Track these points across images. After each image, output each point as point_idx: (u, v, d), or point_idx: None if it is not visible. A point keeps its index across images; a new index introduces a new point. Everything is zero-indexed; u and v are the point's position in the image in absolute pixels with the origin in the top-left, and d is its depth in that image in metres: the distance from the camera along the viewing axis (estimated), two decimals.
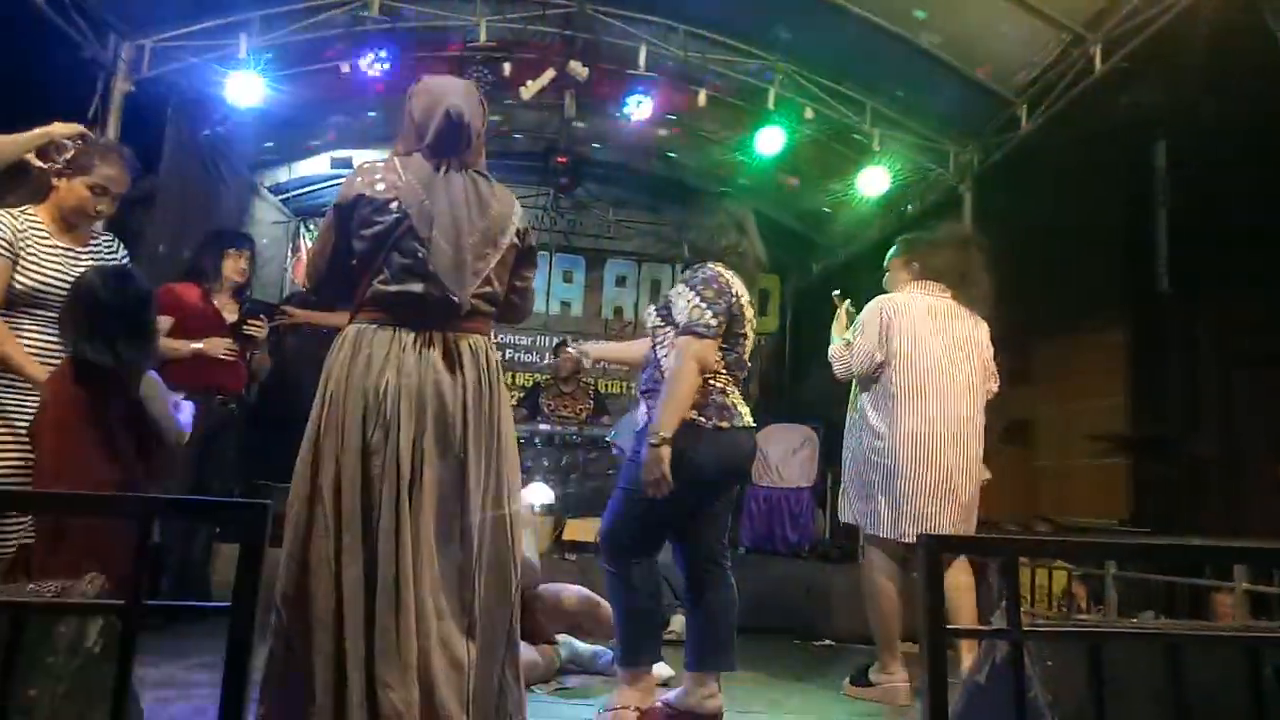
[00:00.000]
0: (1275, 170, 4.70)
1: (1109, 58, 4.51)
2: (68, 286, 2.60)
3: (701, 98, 5.53)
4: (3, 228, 2.58)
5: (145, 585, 1.21)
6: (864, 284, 3.90)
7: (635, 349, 3.34)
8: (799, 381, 8.16)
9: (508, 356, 7.98)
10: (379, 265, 2.16)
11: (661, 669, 3.45)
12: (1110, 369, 6.66)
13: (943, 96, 5.36)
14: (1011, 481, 7.93)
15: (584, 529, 5.00)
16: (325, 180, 7.52)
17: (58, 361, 2.59)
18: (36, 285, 2.62)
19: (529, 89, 5.35)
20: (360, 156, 7.27)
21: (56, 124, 2.48)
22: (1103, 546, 2.26)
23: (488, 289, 2.23)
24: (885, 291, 3.63)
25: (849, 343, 3.48)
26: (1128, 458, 5.96)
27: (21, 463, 2.55)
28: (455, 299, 2.14)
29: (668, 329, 2.91)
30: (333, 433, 2.09)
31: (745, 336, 2.92)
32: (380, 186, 2.18)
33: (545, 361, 7.67)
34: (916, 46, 4.99)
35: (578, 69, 5.31)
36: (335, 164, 7.21)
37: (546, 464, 5.59)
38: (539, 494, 5.15)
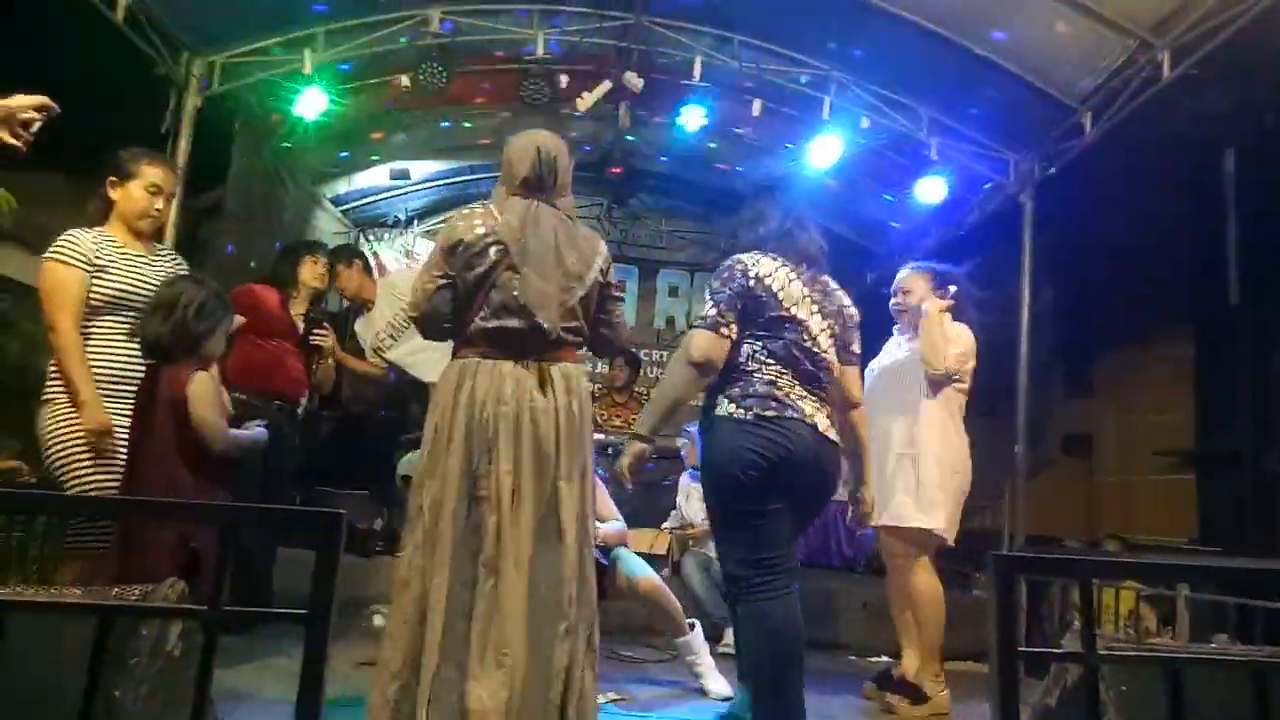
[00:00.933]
0: None
1: (1177, 64, 4.40)
2: (144, 290, 2.74)
3: (756, 107, 5.53)
4: (81, 243, 2.72)
5: (225, 591, 1.25)
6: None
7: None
8: None
9: None
10: (479, 303, 2.39)
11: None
12: (1176, 382, 6.47)
13: (1003, 104, 5.27)
14: (1072, 497, 7.75)
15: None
16: (384, 191, 7.67)
17: (133, 359, 2.71)
18: (117, 291, 2.74)
19: (585, 101, 5.39)
20: (419, 168, 7.43)
21: (16, 96, 2.32)
22: (1184, 568, 2.18)
23: (574, 321, 2.45)
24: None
25: (962, 354, 3.50)
26: (1195, 473, 5.78)
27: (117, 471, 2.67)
28: (545, 327, 2.36)
29: None
30: (440, 458, 2.32)
31: (797, 322, 2.60)
32: (480, 230, 2.41)
33: (598, 369, 7.71)
34: (976, 54, 4.92)
35: (633, 80, 5.35)
36: (394, 175, 7.35)
37: (601, 474, 5.61)
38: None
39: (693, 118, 5.60)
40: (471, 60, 5.41)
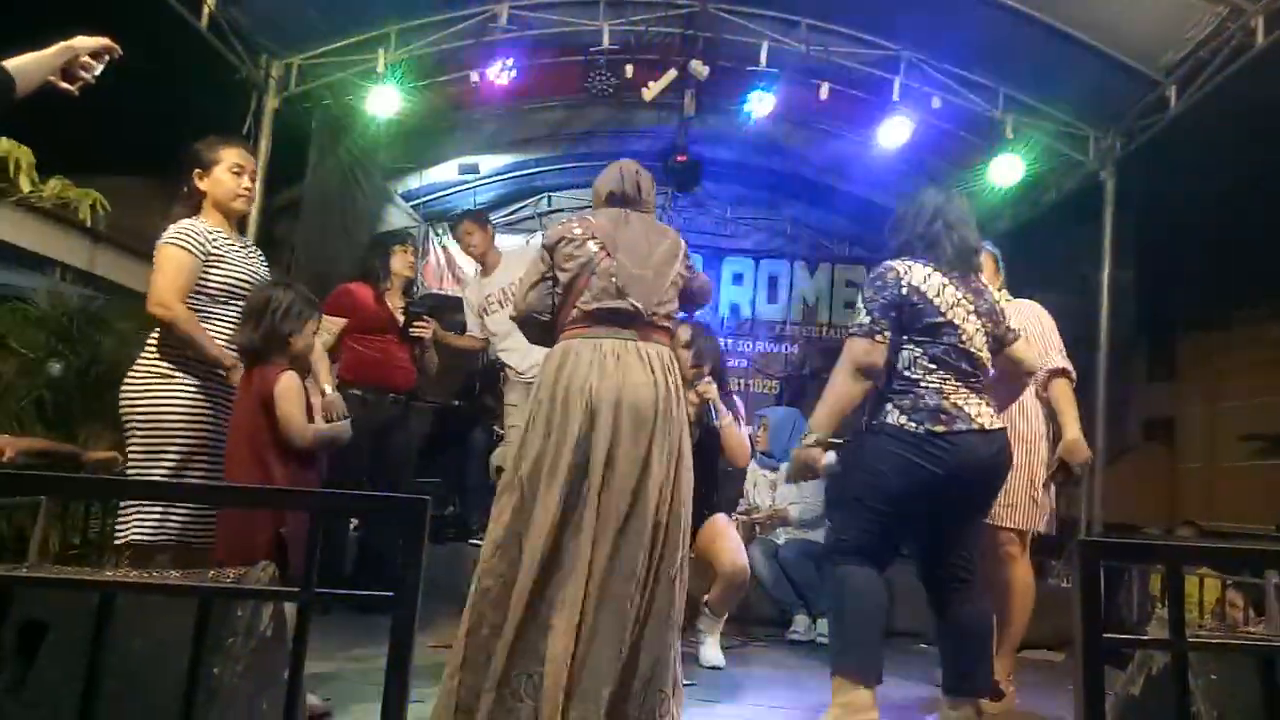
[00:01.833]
0: None
1: (1272, 30, 4.20)
2: (251, 281, 2.85)
3: (824, 91, 5.46)
4: (194, 232, 2.77)
5: (315, 574, 1.30)
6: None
7: None
8: None
9: None
10: (581, 289, 2.62)
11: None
12: (1266, 364, 6.21)
13: (1081, 79, 5.10)
14: (1152, 483, 7.50)
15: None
16: (453, 186, 7.79)
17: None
18: (229, 280, 2.82)
19: (651, 90, 5.40)
20: (487, 162, 7.53)
21: (78, 37, 2.25)
22: (1274, 555, 2.10)
23: (668, 304, 2.69)
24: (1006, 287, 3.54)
25: (1062, 350, 3.42)
26: None
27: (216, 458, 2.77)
28: (639, 306, 2.59)
29: None
30: (540, 429, 2.52)
31: (953, 326, 2.66)
32: (578, 230, 2.69)
33: None
34: (1052, 27, 4.78)
35: (699, 68, 5.33)
36: (463, 170, 7.46)
37: None
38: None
39: (761, 105, 5.56)
40: (538, 54, 5.45)
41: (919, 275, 2.70)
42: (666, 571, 2.47)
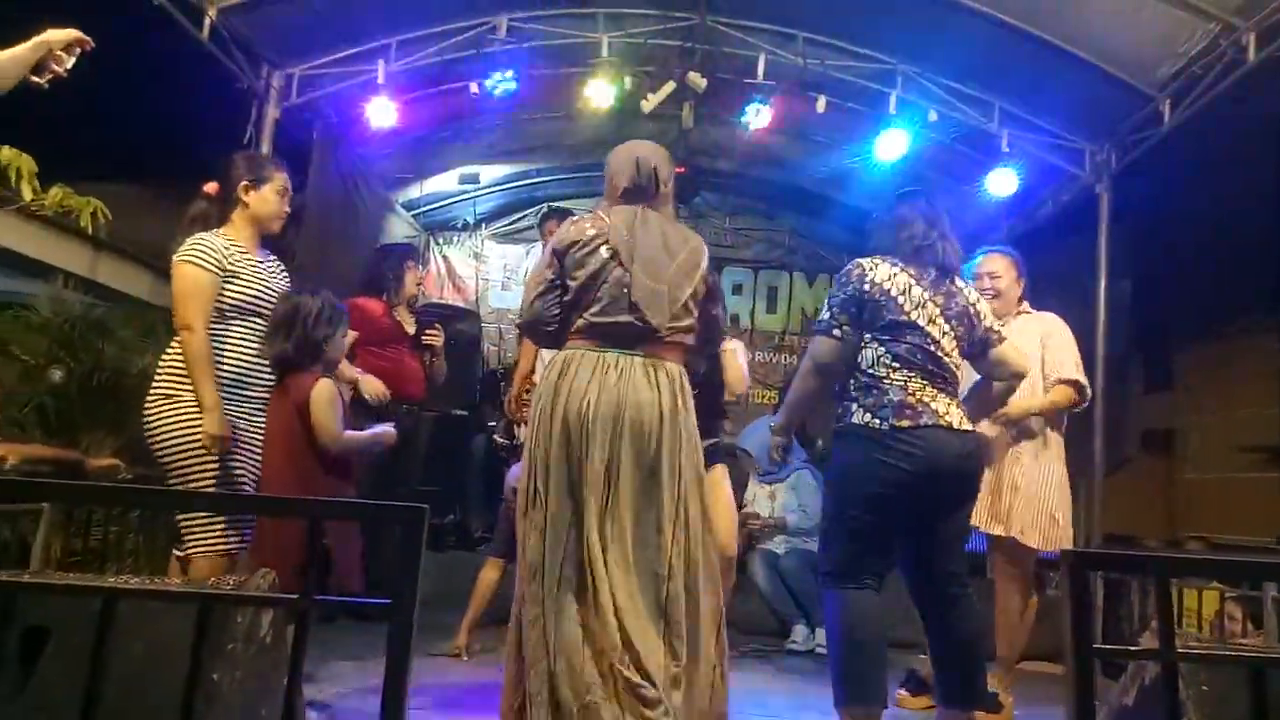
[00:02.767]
0: None
1: (1264, 46, 4.24)
2: (268, 296, 2.86)
3: (821, 104, 5.49)
4: (214, 247, 2.79)
5: (315, 581, 1.32)
6: None
7: None
8: None
9: None
10: (590, 299, 2.48)
11: None
12: (1265, 375, 6.23)
13: (1076, 93, 5.14)
14: (1152, 495, 7.51)
15: None
16: (453, 196, 7.82)
17: (260, 363, 2.84)
18: (246, 296, 2.84)
19: (649, 102, 5.43)
20: (488, 172, 7.56)
21: (50, 30, 2.27)
22: (1263, 567, 2.12)
23: (685, 319, 2.52)
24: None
25: (1079, 364, 3.42)
26: None
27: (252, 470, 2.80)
28: (654, 324, 2.43)
29: None
30: (542, 444, 2.39)
31: (917, 327, 2.64)
32: (591, 232, 2.51)
33: None
34: (1047, 41, 4.81)
35: (696, 80, 5.37)
36: (463, 180, 7.49)
37: None
38: None
39: (758, 117, 5.60)
40: (538, 65, 5.48)
41: (883, 273, 2.68)
42: (698, 598, 2.34)
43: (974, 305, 2.78)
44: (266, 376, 2.84)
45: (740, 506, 5.25)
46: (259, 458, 2.78)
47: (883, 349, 2.65)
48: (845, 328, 2.65)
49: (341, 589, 2.48)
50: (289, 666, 1.27)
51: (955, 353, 2.70)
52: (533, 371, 4.70)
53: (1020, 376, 2.90)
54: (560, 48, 5.43)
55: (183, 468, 2.72)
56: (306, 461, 2.63)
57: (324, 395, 2.66)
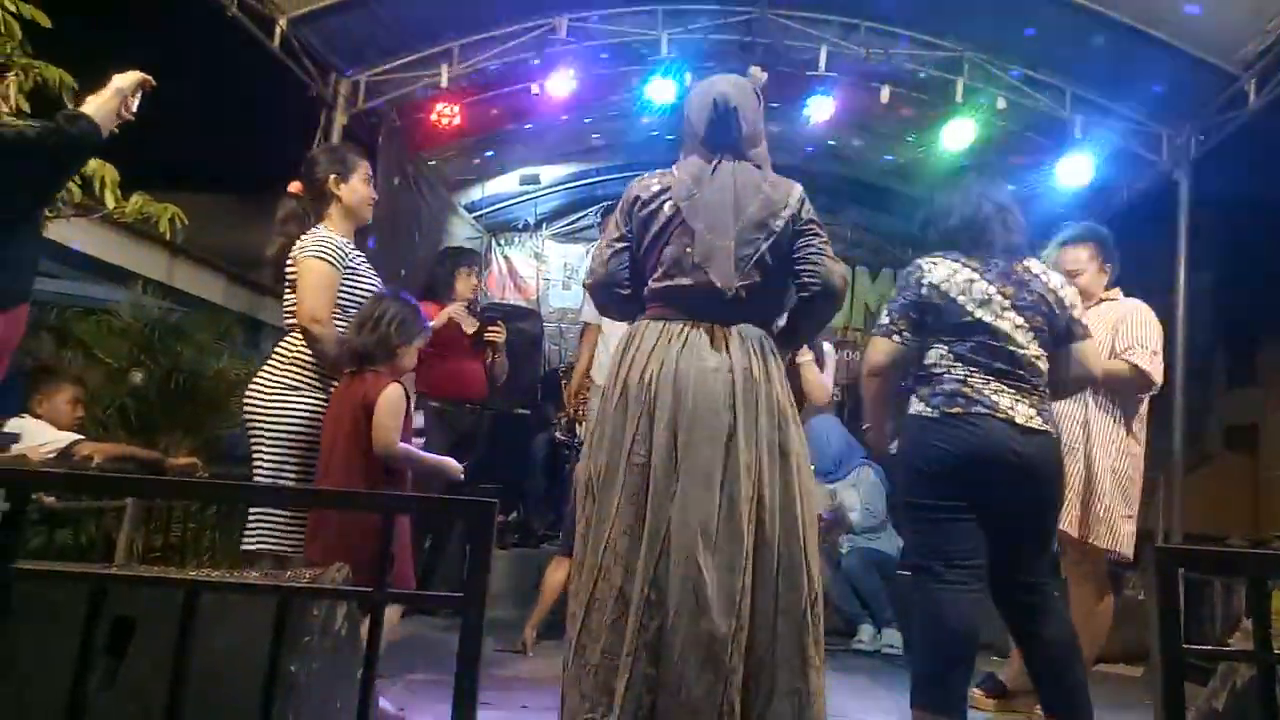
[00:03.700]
0: None
1: None
2: (369, 293, 2.87)
3: (884, 94, 5.40)
4: (334, 244, 2.81)
5: (388, 575, 1.33)
6: None
7: None
8: None
9: None
10: (655, 262, 2.28)
11: None
12: None
13: (1153, 76, 4.96)
14: (1235, 493, 7.22)
15: None
16: (515, 197, 7.91)
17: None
18: (356, 294, 2.86)
19: None
20: (548, 173, 7.62)
21: (118, 78, 2.45)
22: None
23: (758, 276, 2.26)
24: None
25: (1155, 352, 3.20)
26: None
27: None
28: (719, 285, 2.20)
29: None
30: (606, 422, 2.24)
31: (983, 325, 2.52)
32: (655, 188, 2.30)
33: None
34: (1121, 23, 4.66)
35: (757, 73, 5.29)
36: (524, 180, 7.57)
37: None
38: None
39: (819, 110, 5.53)
40: (599, 64, 5.50)
41: (942, 273, 2.56)
42: (794, 584, 2.14)
43: (1055, 291, 2.62)
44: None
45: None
46: None
47: (945, 348, 2.57)
48: (905, 333, 2.57)
49: (399, 584, 2.48)
50: (364, 658, 1.29)
51: (1033, 344, 2.57)
52: (590, 368, 4.72)
53: (1090, 382, 2.81)
54: (620, 46, 5.44)
55: (278, 458, 2.73)
56: (371, 463, 2.64)
57: (390, 400, 2.66)
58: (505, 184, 7.61)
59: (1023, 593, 2.57)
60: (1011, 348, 2.53)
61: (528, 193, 7.84)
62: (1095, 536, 3.20)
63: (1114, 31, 4.70)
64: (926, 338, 2.58)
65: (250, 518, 2.75)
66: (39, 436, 3.55)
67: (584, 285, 2.56)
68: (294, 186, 2.97)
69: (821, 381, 3.71)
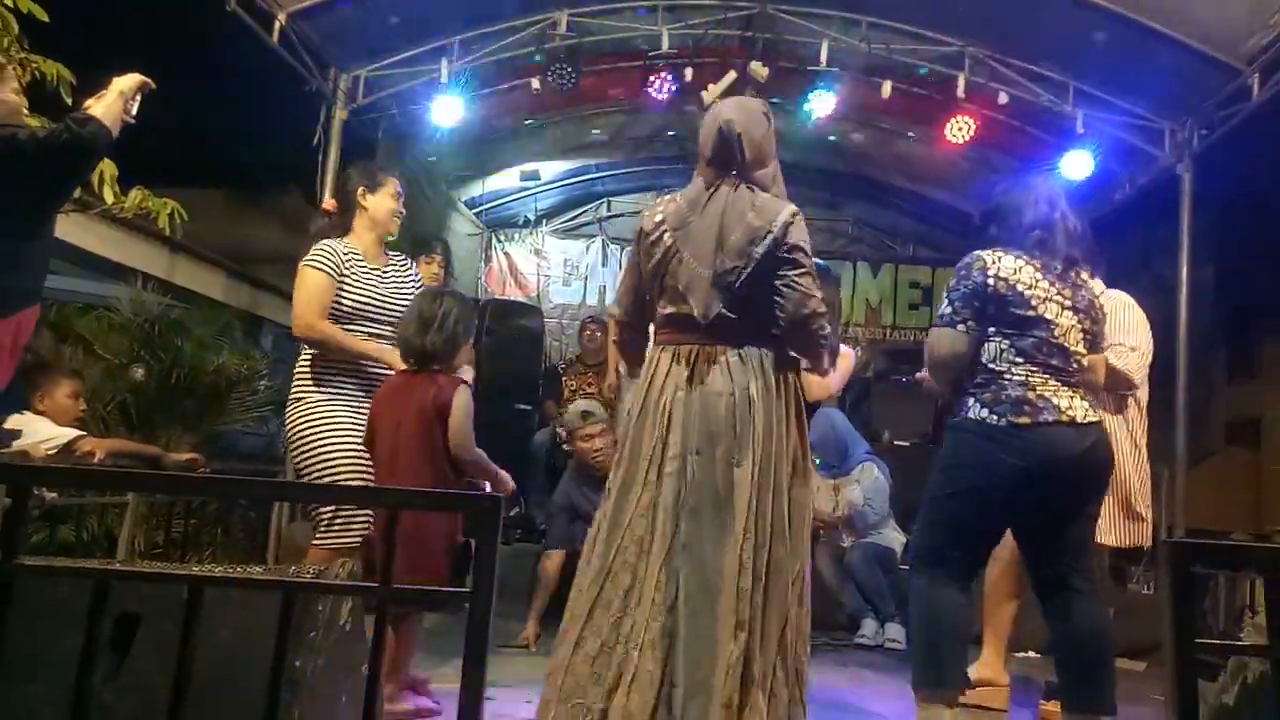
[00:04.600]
0: None
1: None
2: (377, 302, 2.96)
3: (886, 89, 5.39)
4: (332, 254, 2.92)
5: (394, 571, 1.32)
6: None
7: None
8: None
9: None
10: (658, 291, 2.40)
11: None
12: None
13: (1156, 70, 4.94)
14: (1237, 487, 7.21)
15: None
16: (514, 193, 7.89)
17: (372, 366, 2.93)
18: (358, 302, 2.94)
19: (711, 92, 5.39)
20: (548, 168, 7.60)
21: (118, 80, 2.53)
22: None
23: (742, 300, 2.31)
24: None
25: (1135, 347, 3.19)
26: None
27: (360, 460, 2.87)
28: (698, 315, 2.30)
29: None
30: (627, 444, 2.36)
31: (1045, 321, 2.53)
32: (658, 218, 2.40)
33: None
34: (1125, 17, 4.64)
35: (758, 69, 5.31)
36: (525, 176, 7.55)
37: None
38: None
39: (821, 104, 5.51)
40: (598, 60, 5.49)
41: (1009, 266, 2.55)
42: (778, 599, 2.25)
43: (1098, 300, 2.69)
44: (373, 378, 2.93)
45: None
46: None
47: (1006, 343, 2.54)
48: (970, 323, 2.55)
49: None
50: (370, 653, 1.28)
51: (1081, 345, 2.60)
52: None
53: (1095, 390, 2.76)
54: (620, 41, 5.42)
55: (308, 467, 2.84)
56: (444, 461, 2.66)
57: (466, 404, 2.69)
58: (505, 180, 7.60)
59: (1075, 579, 2.58)
60: (1067, 345, 2.56)
61: (528, 189, 7.83)
62: (1133, 536, 3.21)
63: (1117, 26, 4.68)
64: (987, 328, 2.56)
65: (327, 517, 2.83)
66: (40, 433, 3.53)
67: (616, 319, 2.68)
68: (328, 204, 3.14)
69: (821, 382, 3.71)
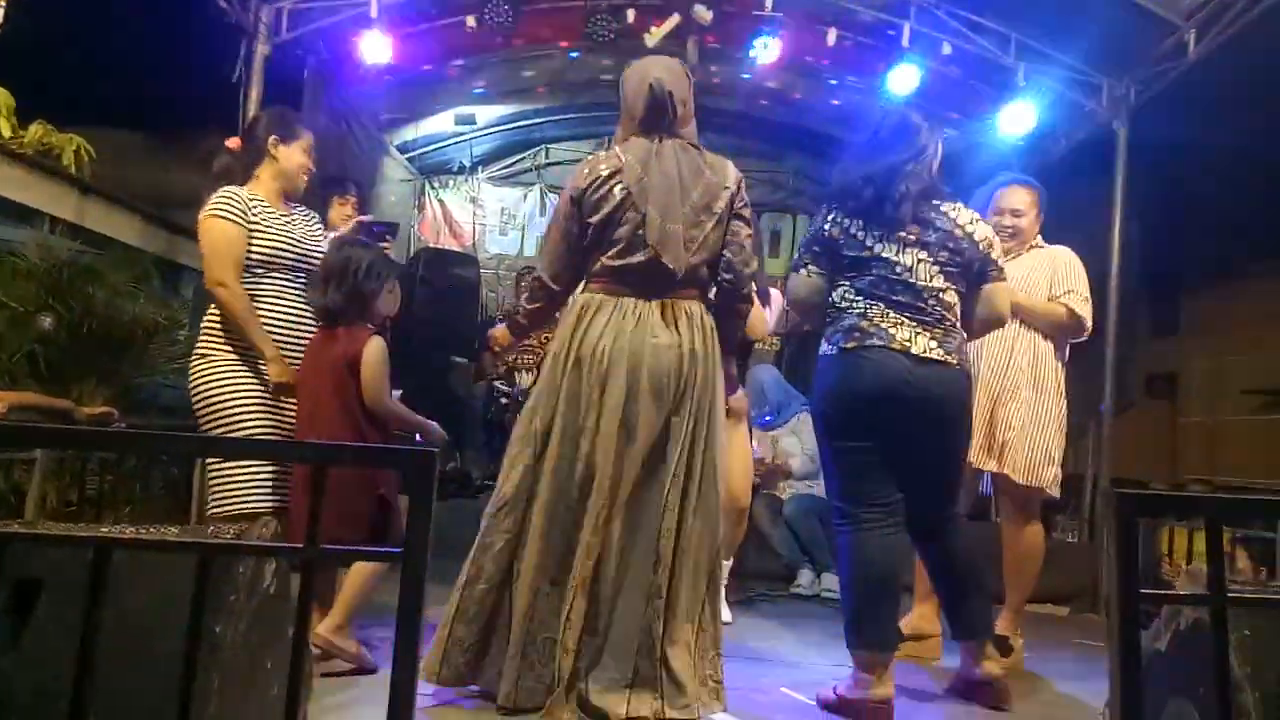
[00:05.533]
0: None
1: None
2: (291, 249, 2.82)
3: (831, 37, 5.32)
4: (236, 200, 2.76)
5: (321, 529, 1.23)
6: None
7: None
8: None
9: None
10: (607, 242, 2.42)
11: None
12: (1270, 318, 6.15)
13: (1096, 24, 4.95)
14: (1153, 439, 7.48)
15: None
16: (450, 138, 7.64)
17: (292, 317, 2.80)
18: (269, 250, 2.79)
19: (653, 35, 5.25)
20: (484, 113, 7.36)
21: None
22: None
23: (704, 255, 2.44)
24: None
25: (1087, 298, 3.26)
26: None
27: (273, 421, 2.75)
28: (671, 267, 2.37)
29: None
30: (552, 388, 2.39)
31: (882, 260, 2.60)
32: (605, 170, 2.43)
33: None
34: None
35: (702, 13, 5.18)
36: (459, 120, 7.30)
37: None
38: None
39: (766, 52, 5.41)
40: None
41: (845, 211, 2.66)
42: (703, 535, 2.38)
43: (963, 227, 2.66)
44: (300, 330, 2.81)
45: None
46: (293, 412, 2.74)
47: (847, 283, 2.66)
48: (811, 266, 2.70)
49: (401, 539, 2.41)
50: (295, 617, 1.20)
51: (937, 278, 2.62)
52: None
53: (998, 324, 2.85)
54: None
55: (217, 426, 2.70)
56: (359, 417, 2.60)
57: (377, 354, 2.62)
58: (439, 124, 7.34)
59: (930, 522, 2.69)
60: (911, 279, 2.59)
61: (463, 134, 7.58)
62: (1044, 480, 3.25)
63: None
64: (834, 275, 2.68)
65: (223, 479, 2.69)
66: None
67: (545, 268, 2.59)
68: (232, 142, 2.93)
69: (761, 315, 3.69)
